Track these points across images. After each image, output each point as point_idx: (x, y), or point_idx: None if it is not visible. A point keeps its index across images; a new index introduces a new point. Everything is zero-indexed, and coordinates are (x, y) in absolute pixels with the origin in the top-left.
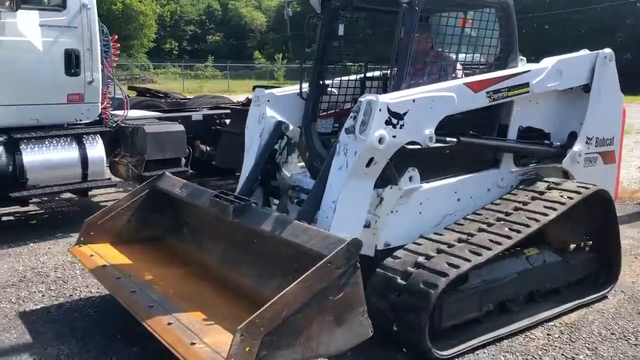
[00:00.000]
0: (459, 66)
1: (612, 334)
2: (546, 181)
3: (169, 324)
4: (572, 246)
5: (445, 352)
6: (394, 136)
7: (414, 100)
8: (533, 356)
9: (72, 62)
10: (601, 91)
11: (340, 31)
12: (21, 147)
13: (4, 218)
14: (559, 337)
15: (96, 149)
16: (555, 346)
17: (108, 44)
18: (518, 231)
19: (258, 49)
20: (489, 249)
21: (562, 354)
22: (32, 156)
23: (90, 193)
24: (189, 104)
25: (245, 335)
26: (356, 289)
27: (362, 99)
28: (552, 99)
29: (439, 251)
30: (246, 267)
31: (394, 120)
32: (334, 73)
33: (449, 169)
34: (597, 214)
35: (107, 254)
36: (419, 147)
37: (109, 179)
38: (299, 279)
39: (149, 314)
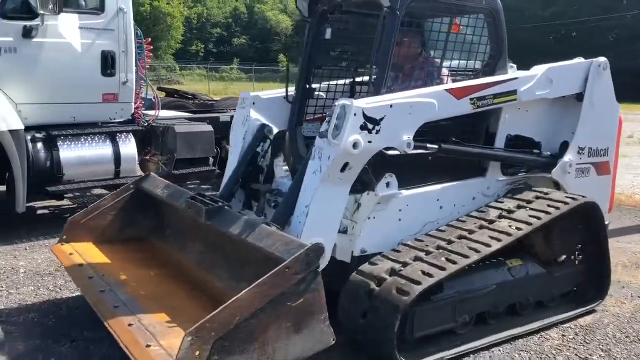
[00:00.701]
0: (447, 72)
1: (626, 337)
2: (534, 191)
3: (130, 325)
4: (562, 258)
5: None
6: (370, 142)
7: (391, 106)
8: (547, 355)
9: (108, 64)
10: (595, 101)
11: (328, 35)
12: (58, 144)
13: (40, 212)
14: (573, 338)
15: (129, 147)
16: (570, 347)
17: (142, 47)
18: (499, 240)
19: (283, 52)
20: (466, 257)
21: (576, 355)
22: (69, 153)
23: None
24: (216, 106)
25: (194, 340)
26: (317, 296)
27: (336, 103)
28: (543, 108)
29: (416, 259)
30: (221, 270)
31: (370, 126)
32: (322, 77)
33: (432, 176)
34: (586, 226)
35: (88, 253)
36: (398, 153)
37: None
38: (254, 284)
39: (113, 315)
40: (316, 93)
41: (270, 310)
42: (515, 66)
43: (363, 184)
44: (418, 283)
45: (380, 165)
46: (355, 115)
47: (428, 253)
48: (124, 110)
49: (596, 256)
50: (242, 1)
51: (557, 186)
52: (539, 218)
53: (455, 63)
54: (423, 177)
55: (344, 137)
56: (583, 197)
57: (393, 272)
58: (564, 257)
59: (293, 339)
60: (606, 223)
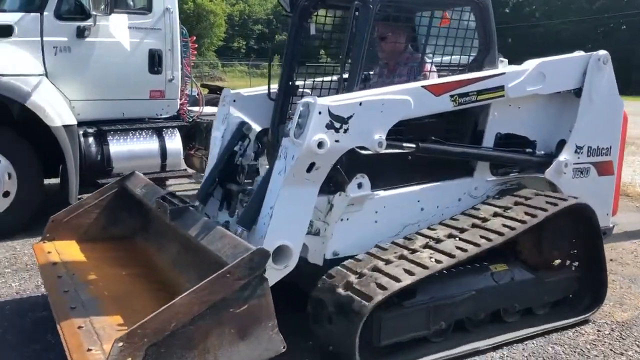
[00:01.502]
0: (432, 68)
1: None
2: (514, 195)
3: (80, 327)
4: (556, 263)
5: None
6: (337, 140)
7: (360, 104)
8: (582, 349)
9: (155, 61)
10: (594, 96)
11: (312, 30)
12: (108, 139)
13: None
14: (609, 334)
15: (174, 142)
16: (605, 342)
17: (187, 45)
18: (477, 244)
19: (323, 47)
20: (439, 262)
21: (611, 350)
22: (118, 147)
23: (166, 183)
24: None
25: (125, 346)
26: (263, 302)
27: (300, 101)
28: (538, 104)
29: (387, 262)
30: (191, 272)
31: (337, 124)
32: (307, 73)
33: (412, 176)
34: (577, 230)
35: (66, 251)
36: (375, 152)
37: (185, 170)
38: (191, 289)
39: (67, 316)
40: (300, 90)
41: (210, 316)
42: (505, 60)
43: (336, 185)
44: (383, 288)
45: (354, 165)
46: (320, 113)
47: (401, 257)
48: (169, 106)
49: (591, 262)
50: None
51: (553, 187)
52: (512, 228)
53: (444, 58)
54: (402, 178)
55: (307, 136)
56: (573, 198)
57: (361, 276)
58: (557, 262)
59: (238, 346)
60: (610, 226)
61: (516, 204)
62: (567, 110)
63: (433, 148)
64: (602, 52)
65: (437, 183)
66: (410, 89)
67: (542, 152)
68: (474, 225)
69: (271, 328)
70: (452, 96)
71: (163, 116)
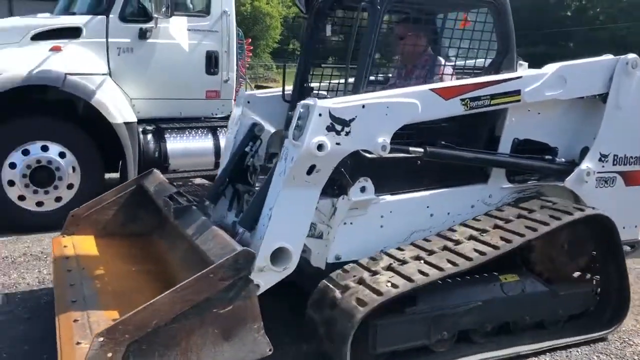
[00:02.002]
0: (450, 70)
1: None
2: (518, 208)
3: (75, 320)
4: (575, 276)
5: None
6: (338, 143)
7: (363, 106)
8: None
9: (211, 63)
10: (621, 102)
11: (328, 32)
12: (165, 136)
13: None
14: None
15: None
16: None
17: (242, 47)
18: (483, 253)
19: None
20: (441, 269)
21: None
22: (174, 144)
23: None
24: None
25: (106, 341)
26: (248, 304)
27: (300, 102)
28: (560, 110)
29: (388, 268)
30: (192, 270)
31: (338, 127)
32: (323, 75)
33: (421, 181)
34: (595, 243)
35: (82, 246)
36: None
37: None
38: (173, 289)
39: (66, 309)
40: (315, 92)
41: (194, 316)
42: (525, 64)
43: (340, 188)
44: (379, 294)
45: (358, 168)
46: (320, 115)
47: (404, 262)
48: (224, 106)
49: (611, 276)
50: None
51: (575, 196)
52: (508, 241)
53: (465, 61)
54: (410, 182)
55: (306, 138)
56: (591, 209)
57: (360, 281)
58: (574, 275)
59: (221, 347)
60: (639, 239)
61: (518, 216)
62: (593, 116)
63: (442, 153)
64: (632, 56)
65: (448, 189)
66: (418, 92)
67: (563, 159)
68: (470, 237)
69: (256, 330)
70: (463, 100)
71: (218, 115)
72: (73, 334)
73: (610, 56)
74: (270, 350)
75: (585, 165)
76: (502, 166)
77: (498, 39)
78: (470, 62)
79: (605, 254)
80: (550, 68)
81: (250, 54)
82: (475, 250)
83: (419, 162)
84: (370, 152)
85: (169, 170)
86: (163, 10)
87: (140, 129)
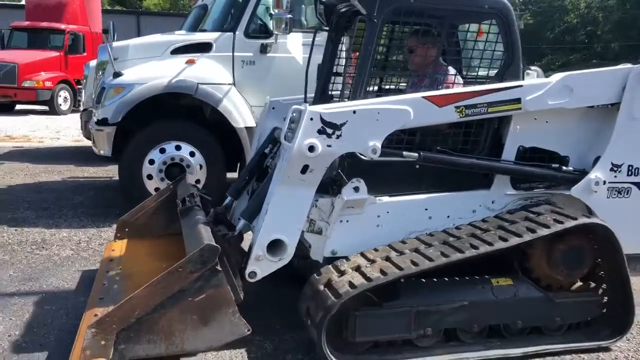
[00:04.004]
0: (459, 79)
1: None
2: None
3: (96, 315)
4: (576, 285)
5: None
6: (329, 145)
7: (354, 112)
8: None
9: None
10: (636, 113)
11: (346, 45)
12: None
13: None
14: None
15: None
16: None
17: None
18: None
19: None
20: (415, 264)
21: None
22: None
23: None
24: None
25: (97, 332)
26: (220, 291)
27: (293, 107)
28: (570, 119)
29: (371, 262)
30: None
31: (329, 130)
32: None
33: (421, 185)
34: (596, 252)
35: (128, 248)
36: (381, 159)
37: None
38: (149, 283)
39: (92, 306)
40: (335, 99)
41: (171, 305)
42: (535, 72)
43: (338, 187)
44: (353, 286)
45: (355, 170)
46: (311, 119)
47: (387, 259)
48: None
49: (613, 286)
50: None
51: (586, 206)
52: (490, 243)
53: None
54: (409, 185)
55: (297, 140)
56: (589, 217)
57: (342, 274)
58: (578, 283)
59: (201, 331)
60: None
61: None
62: (608, 126)
63: (437, 158)
64: None
65: (448, 193)
66: (410, 99)
67: (572, 168)
68: (472, 235)
69: (232, 314)
70: (457, 107)
71: None
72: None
73: (628, 65)
74: (248, 330)
75: (595, 174)
76: (503, 172)
77: (505, 49)
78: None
79: (606, 263)
80: (555, 77)
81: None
82: (442, 254)
83: (417, 165)
84: (363, 155)
85: None
86: (282, 27)
87: None
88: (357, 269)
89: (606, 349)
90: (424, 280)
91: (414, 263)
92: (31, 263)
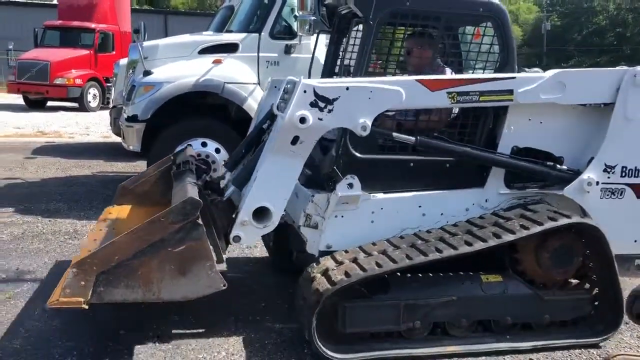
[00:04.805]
0: None
1: None
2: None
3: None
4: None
5: (340, 355)
6: (320, 119)
7: (347, 88)
8: None
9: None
10: (630, 115)
11: (345, 45)
12: None
13: None
14: None
15: None
16: None
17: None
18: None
19: None
20: (410, 258)
21: None
22: None
23: None
24: None
25: (78, 272)
26: (199, 244)
27: (287, 78)
28: (565, 119)
29: (368, 255)
30: None
31: (321, 104)
32: None
33: (415, 183)
34: (587, 252)
35: (125, 213)
36: (376, 157)
37: None
38: (131, 229)
39: (81, 255)
40: None
41: (151, 253)
42: (538, 71)
43: (334, 183)
44: (348, 276)
45: (350, 166)
46: (305, 92)
47: (383, 252)
48: None
49: (603, 285)
50: None
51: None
52: (467, 244)
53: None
54: (404, 183)
55: (289, 110)
56: (571, 217)
57: (339, 264)
58: (570, 281)
59: (179, 281)
60: None
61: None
62: (602, 127)
63: (433, 143)
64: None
65: (441, 191)
66: (403, 81)
67: (565, 167)
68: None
69: (209, 267)
70: (449, 93)
71: None
72: None
73: (624, 67)
74: (224, 285)
75: (587, 175)
76: (494, 164)
77: (499, 51)
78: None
79: (596, 262)
80: (549, 72)
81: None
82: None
83: (411, 164)
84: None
85: None
86: (306, 28)
87: None
88: (355, 260)
89: (595, 346)
90: (411, 275)
91: (408, 257)
92: (64, 251)
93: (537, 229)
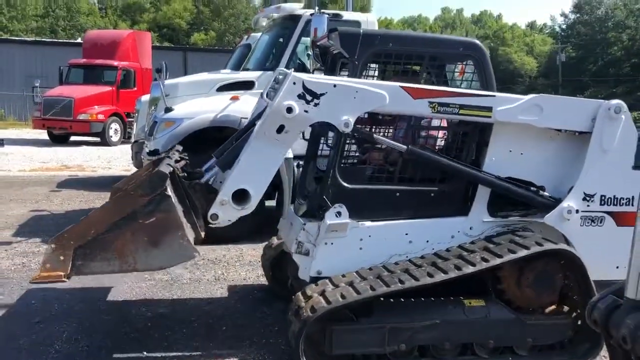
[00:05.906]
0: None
1: None
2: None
3: None
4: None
5: None
6: (306, 111)
7: (335, 85)
8: None
9: None
10: (606, 146)
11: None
12: None
13: None
14: None
15: None
16: None
17: None
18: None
19: (524, 93)
20: (387, 285)
21: None
22: None
23: None
24: None
25: (56, 247)
26: (170, 215)
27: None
28: (545, 150)
29: (349, 283)
30: None
31: (309, 97)
32: None
33: (401, 212)
34: (566, 277)
35: None
36: (363, 187)
37: None
38: (103, 204)
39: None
40: None
41: (124, 226)
42: None
43: (324, 212)
44: (329, 302)
45: (339, 196)
46: (294, 83)
47: (364, 279)
48: None
49: (583, 311)
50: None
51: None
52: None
53: None
54: (390, 212)
55: (277, 99)
56: (557, 243)
57: (321, 292)
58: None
59: (152, 252)
60: None
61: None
62: (580, 157)
63: (423, 154)
64: (615, 102)
65: (427, 219)
66: (387, 85)
67: (547, 194)
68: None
69: (181, 237)
70: (431, 102)
71: None
72: None
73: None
74: (197, 254)
75: (567, 203)
76: (480, 182)
77: (480, 86)
78: None
79: (575, 288)
80: (528, 96)
81: None
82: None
83: (397, 193)
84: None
85: None
86: (318, 65)
87: (295, 164)
88: (337, 287)
89: None
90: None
91: (386, 284)
92: (88, 277)
93: (522, 252)
